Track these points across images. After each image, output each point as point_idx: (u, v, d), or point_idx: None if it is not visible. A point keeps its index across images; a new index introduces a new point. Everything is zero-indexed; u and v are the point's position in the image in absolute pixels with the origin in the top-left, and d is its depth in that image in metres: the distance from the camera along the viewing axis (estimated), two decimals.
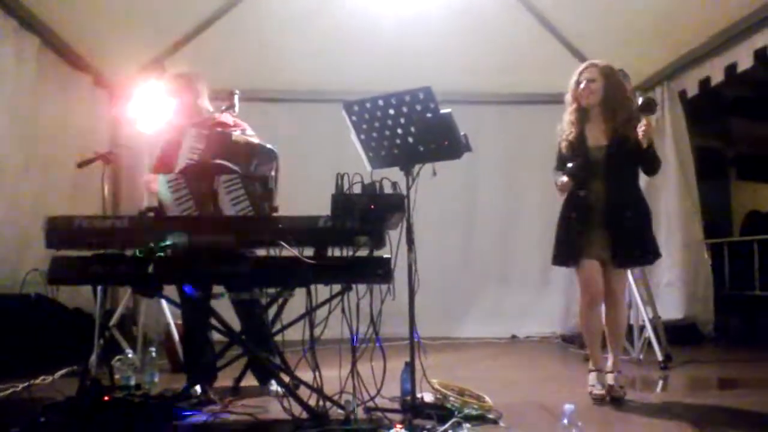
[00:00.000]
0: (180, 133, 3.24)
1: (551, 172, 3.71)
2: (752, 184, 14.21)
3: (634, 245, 3.53)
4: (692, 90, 5.58)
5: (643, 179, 3.68)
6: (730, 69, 5.01)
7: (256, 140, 3.37)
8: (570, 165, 3.55)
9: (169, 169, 3.05)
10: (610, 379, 3.55)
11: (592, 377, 3.61)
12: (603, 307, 3.65)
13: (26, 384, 3.63)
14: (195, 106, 3.68)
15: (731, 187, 13.75)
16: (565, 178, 3.54)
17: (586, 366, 4.75)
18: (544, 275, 6.50)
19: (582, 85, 3.57)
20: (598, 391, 3.51)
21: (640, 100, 3.42)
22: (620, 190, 3.51)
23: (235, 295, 3.30)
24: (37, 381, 3.83)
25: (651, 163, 3.51)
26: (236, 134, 3.45)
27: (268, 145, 3.25)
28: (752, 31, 4.66)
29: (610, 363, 3.61)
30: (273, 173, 3.19)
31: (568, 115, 3.65)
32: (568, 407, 2.40)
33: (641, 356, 4.84)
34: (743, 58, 4.81)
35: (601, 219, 3.51)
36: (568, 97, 3.66)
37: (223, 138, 3.26)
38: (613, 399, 3.45)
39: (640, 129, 3.35)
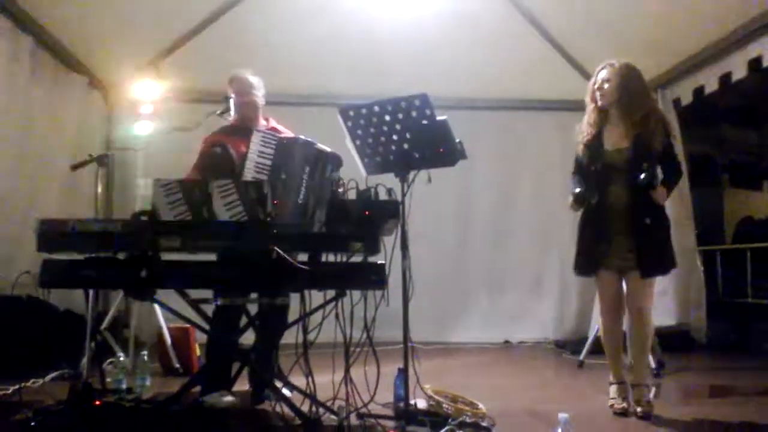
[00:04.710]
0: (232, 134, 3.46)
1: (569, 177, 3.60)
2: (745, 191, 14.27)
3: (659, 253, 3.39)
4: (686, 98, 5.59)
5: None
6: (725, 78, 5.03)
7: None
8: (577, 190, 3.43)
9: None
10: (636, 391, 3.42)
11: (613, 390, 3.50)
12: (626, 318, 3.54)
13: (17, 387, 3.60)
14: (258, 110, 3.72)
15: (724, 194, 13.80)
16: (571, 198, 3.47)
17: (579, 372, 4.80)
18: (537, 281, 6.53)
19: (596, 86, 3.50)
20: (619, 404, 3.41)
21: (642, 176, 3.28)
22: (642, 195, 3.35)
23: (229, 301, 3.27)
24: (28, 384, 3.79)
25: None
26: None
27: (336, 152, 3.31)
28: (747, 41, 4.67)
29: (634, 376, 3.47)
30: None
31: (586, 116, 3.56)
32: (563, 416, 2.41)
33: None
34: (737, 67, 4.82)
35: (622, 225, 3.38)
36: (587, 99, 3.56)
37: (298, 144, 3.30)
38: (639, 414, 3.32)
39: (654, 199, 3.30)
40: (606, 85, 3.45)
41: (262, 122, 3.74)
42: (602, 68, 3.51)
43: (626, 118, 3.42)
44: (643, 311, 3.43)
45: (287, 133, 3.69)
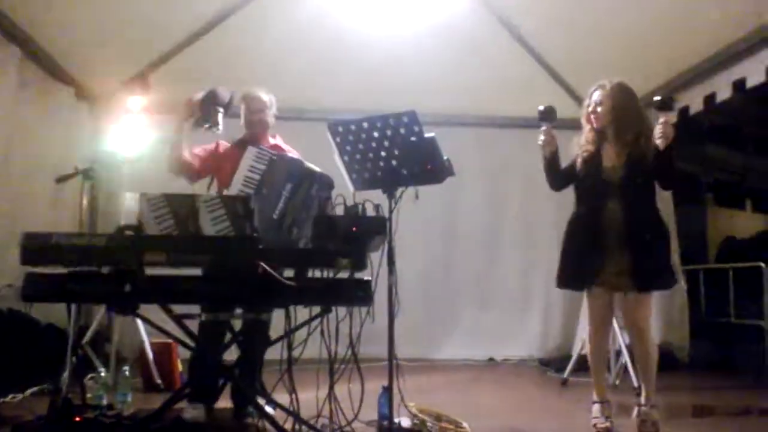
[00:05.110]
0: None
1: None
2: (728, 210, 14.41)
3: (658, 267, 3.37)
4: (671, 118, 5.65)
5: None
6: (710, 99, 5.08)
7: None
8: (540, 108, 3.47)
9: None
10: (642, 411, 3.39)
11: (596, 409, 3.48)
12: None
13: None
14: (267, 129, 3.76)
15: (707, 213, 13.92)
16: (543, 135, 3.49)
17: (563, 390, 4.80)
18: (523, 298, 6.53)
19: (590, 109, 3.51)
20: (602, 424, 3.39)
21: (655, 98, 3.33)
22: (638, 210, 3.36)
23: (213, 316, 3.25)
24: (7, 399, 3.74)
25: (668, 169, 3.35)
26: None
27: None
28: (731, 63, 4.73)
29: (642, 397, 3.44)
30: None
31: (583, 135, 3.57)
32: None
33: (617, 382, 4.85)
34: (722, 88, 4.88)
35: (618, 241, 3.35)
36: (583, 120, 3.57)
37: (284, 161, 3.35)
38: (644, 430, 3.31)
39: (658, 128, 3.23)
40: (599, 109, 3.46)
41: (270, 140, 3.76)
42: (595, 89, 3.52)
43: (619, 137, 3.43)
44: (643, 331, 3.41)
45: (292, 152, 3.70)
